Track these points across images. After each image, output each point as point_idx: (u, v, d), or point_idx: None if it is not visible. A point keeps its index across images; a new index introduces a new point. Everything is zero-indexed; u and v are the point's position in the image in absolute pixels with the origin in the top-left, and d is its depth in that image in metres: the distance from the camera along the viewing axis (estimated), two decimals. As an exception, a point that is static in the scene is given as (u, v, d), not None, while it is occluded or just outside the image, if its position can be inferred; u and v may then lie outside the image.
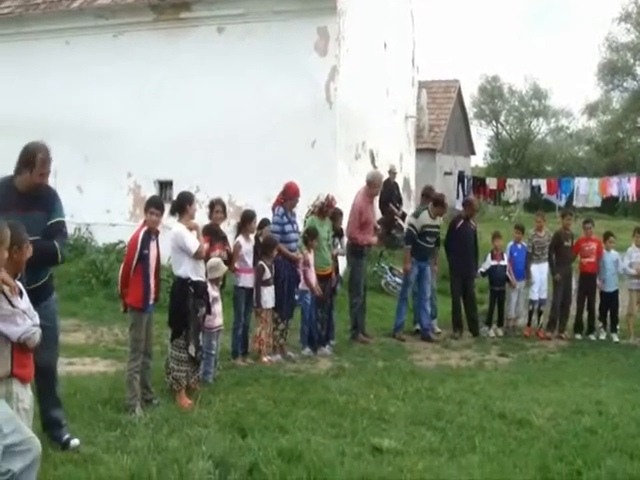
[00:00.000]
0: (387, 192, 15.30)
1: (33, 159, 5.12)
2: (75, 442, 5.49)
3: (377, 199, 14.99)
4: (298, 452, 5.25)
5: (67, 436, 5.52)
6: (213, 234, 7.82)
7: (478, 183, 28.57)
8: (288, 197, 9.15)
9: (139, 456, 5.18)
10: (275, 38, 13.63)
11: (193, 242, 6.85)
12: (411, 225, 10.64)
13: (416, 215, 10.77)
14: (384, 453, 5.55)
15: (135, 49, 14.75)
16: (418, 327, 10.72)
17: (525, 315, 11.44)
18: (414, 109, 20.34)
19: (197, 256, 6.88)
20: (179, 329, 6.94)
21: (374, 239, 10.36)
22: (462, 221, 11.03)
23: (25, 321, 3.98)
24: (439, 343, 10.25)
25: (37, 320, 4.21)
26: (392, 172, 16.06)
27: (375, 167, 15.26)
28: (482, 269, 11.13)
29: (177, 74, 14.25)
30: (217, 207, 8.07)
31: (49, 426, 5.53)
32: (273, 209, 9.28)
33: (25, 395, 4.08)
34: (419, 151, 21.99)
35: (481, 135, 49.08)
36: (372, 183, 10.33)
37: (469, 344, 10.31)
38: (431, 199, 10.83)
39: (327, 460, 5.17)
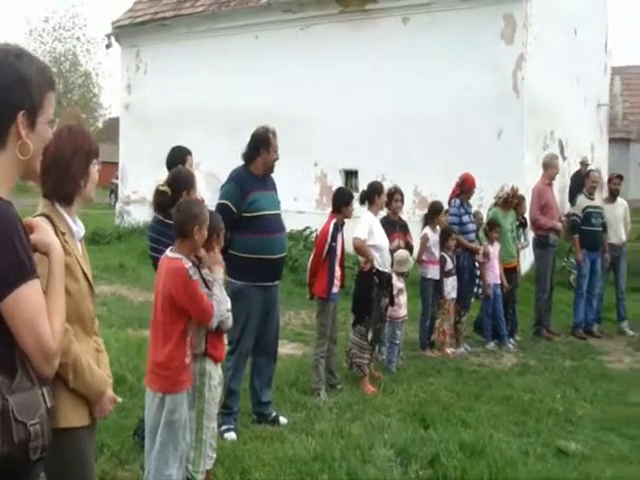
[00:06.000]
0: (578, 184, 14.66)
1: (267, 139, 5.68)
2: (284, 420, 5.81)
3: (567, 192, 14.51)
4: (480, 447, 5.18)
5: (275, 414, 5.85)
6: (390, 224, 7.85)
7: (676, 174, 26.61)
8: (466, 189, 9.04)
9: (323, 439, 5.34)
10: (460, 27, 13.40)
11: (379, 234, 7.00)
12: (573, 215, 10.27)
13: (573, 203, 10.44)
14: (569, 457, 5.35)
15: (322, 41, 15.07)
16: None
17: None
18: (607, 97, 19.36)
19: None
20: (361, 317, 7.07)
21: (559, 224, 9.99)
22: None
23: (220, 305, 4.23)
24: (631, 345, 9.65)
25: (229, 305, 4.46)
26: (584, 163, 15.36)
27: (564, 157, 14.70)
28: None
29: (362, 65, 14.39)
30: (396, 196, 8.07)
31: (259, 404, 5.86)
32: (449, 202, 9.22)
33: (215, 373, 4.35)
34: (612, 141, 20.93)
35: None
36: (547, 164, 10.14)
37: (666, 347, 9.64)
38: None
39: (510, 458, 5.07)
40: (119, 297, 11.00)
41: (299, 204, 14.68)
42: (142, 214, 16.43)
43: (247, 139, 5.91)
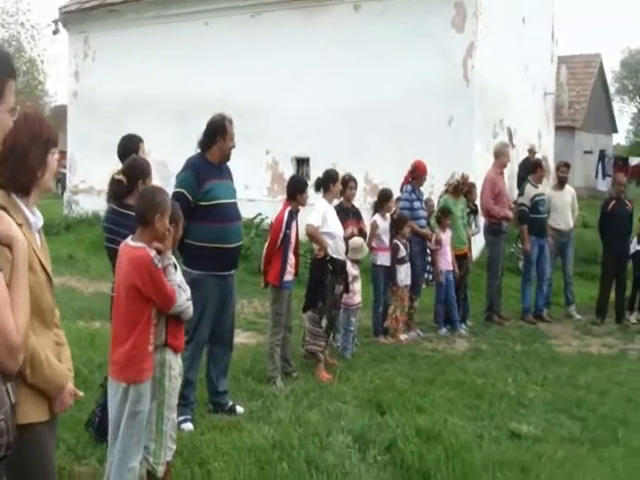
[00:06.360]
0: (526, 171, 14.90)
1: (224, 126, 5.59)
2: (240, 409, 5.80)
3: (515, 179, 14.73)
4: (436, 432, 5.25)
5: (231, 403, 5.84)
6: (344, 212, 7.87)
7: (620, 162, 27.29)
8: (417, 175, 9.16)
9: (281, 427, 5.34)
10: (412, 14, 13.51)
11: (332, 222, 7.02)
12: (522, 204, 10.39)
13: (521, 193, 10.63)
14: (522, 439, 5.47)
15: (273, 28, 14.99)
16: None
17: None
18: (553, 85, 19.68)
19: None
20: (313, 303, 7.06)
21: (510, 213, 10.17)
22: (614, 202, 10.50)
23: (181, 295, 4.19)
24: (579, 329, 9.88)
25: (189, 294, 4.42)
26: (532, 151, 15.64)
27: (513, 145, 14.90)
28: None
29: (313, 52, 14.39)
30: (351, 183, 8.10)
31: (216, 393, 5.84)
32: (401, 189, 9.31)
33: (175, 364, 4.31)
34: (558, 129, 21.25)
35: (623, 112, 46.79)
36: (499, 153, 10.31)
37: (611, 331, 9.83)
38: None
39: (465, 442, 5.15)
40: (69, 289, 10.80)
41: (250, 192, 14.60)
42: (91, 204, 16.20)
43: (198, 127, 5.86)
